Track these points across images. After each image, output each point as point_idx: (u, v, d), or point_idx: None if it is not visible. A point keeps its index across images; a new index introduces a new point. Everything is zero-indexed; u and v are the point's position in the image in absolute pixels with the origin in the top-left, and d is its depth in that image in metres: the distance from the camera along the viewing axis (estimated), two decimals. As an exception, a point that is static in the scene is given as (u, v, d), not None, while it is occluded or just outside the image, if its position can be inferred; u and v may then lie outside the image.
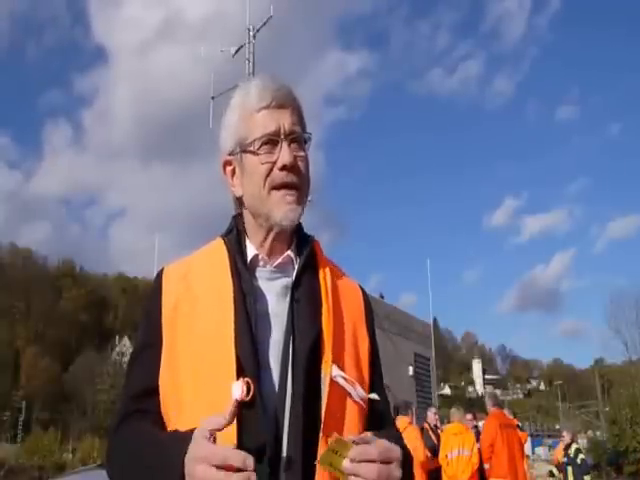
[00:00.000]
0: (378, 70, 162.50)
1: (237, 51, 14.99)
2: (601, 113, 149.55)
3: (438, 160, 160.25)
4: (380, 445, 1.01)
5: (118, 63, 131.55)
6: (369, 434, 1.04)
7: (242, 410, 1.08)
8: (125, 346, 59.44)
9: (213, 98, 14.99)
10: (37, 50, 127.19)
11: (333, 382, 1.14)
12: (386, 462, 1.01)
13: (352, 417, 1.18)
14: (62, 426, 38.62)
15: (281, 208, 1.24)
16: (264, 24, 14.85)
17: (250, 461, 0.94)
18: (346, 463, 0.98)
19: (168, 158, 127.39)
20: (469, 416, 10.85)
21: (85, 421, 45.89)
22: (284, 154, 1.24)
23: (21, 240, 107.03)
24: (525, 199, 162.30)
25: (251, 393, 1.09)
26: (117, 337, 66.15)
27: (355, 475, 0.97)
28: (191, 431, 1.02)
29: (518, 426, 10.00)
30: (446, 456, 8.16)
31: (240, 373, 1.10)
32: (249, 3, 15.08)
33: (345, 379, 1.16)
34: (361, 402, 1.16)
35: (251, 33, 14.96)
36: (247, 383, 1.09)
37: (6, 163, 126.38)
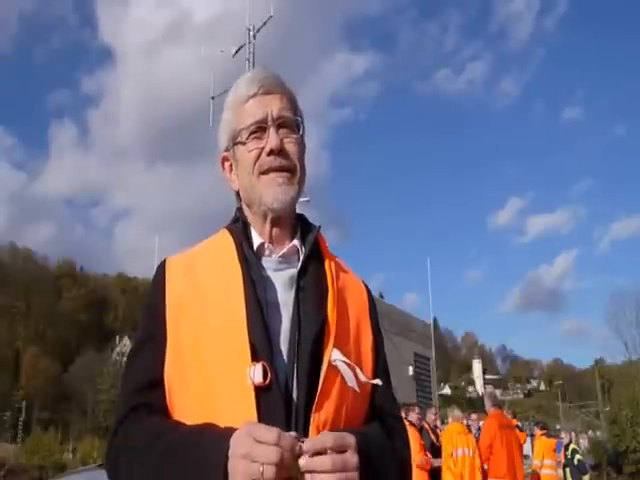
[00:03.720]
0: (385, 71, 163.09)
1: (237, 51, 15.00)
2: (606, 114, 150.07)
3: (443, 161, 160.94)
4: (332, 435, 1.01)
5: (125, 64, 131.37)
6: (324, 432, 1.04)
7: (260, 396, 1.07)
8: (125, 346, 59.41)
9: (213, 98, 14.99)
10: (44, 51, 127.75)
11: (331, 365, 1.12)
12: (341, 451, 1.00)
13: (351, 401, 1.15)
14: (62, 426, 38.64)
15: (270, 190, 1.23)
16: (264, 24, 14.87)
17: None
18: (302, 461, 0.97)
19: (172, 158, 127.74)
20: (474, 416, 10.83)
21: (85, 421, 45.93)
22: (271, 139, 1.23)
23: (27, 240, 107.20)
24: (530, 199, 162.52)
25: (269, 378, 1.08)
26: (117, 337, 66.18)
27: (311, 471, 0.97)
28: (228, 429, 1.01)
29: (518, 426, 10.01)
30: (451, 454, 8.18)
31: (254, 358, 1.09)
32: (249, 3, 15.10)
33: (346, 363, 1.13)
34: (356, 387, 1.13)
35: (251, 33, 14.96)
36: (264, 367, 1.07)
37: (12, 164, 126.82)
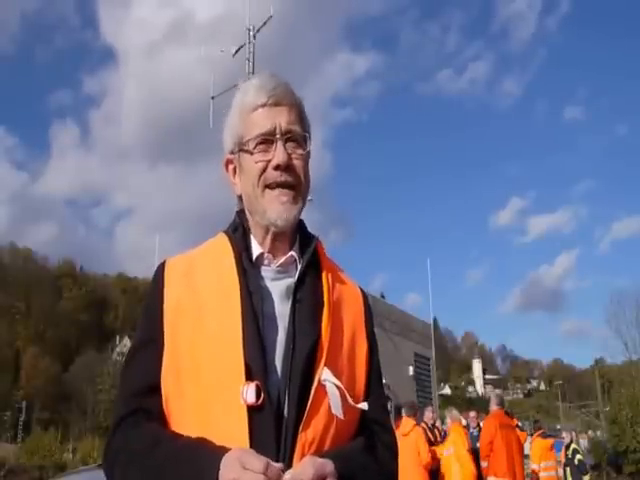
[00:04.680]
0: (387, 71, 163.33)
1: (237, 51, 14.99)
2: (608, 114, 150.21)
3: (445, 161, 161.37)
4: (313, 465, 1.02)
5: (126, 64, 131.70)
6: (306, 460, 1.05)
7: (252, 415, 1.08)
8: (125, 346, 59.28)
9: (213, 98, 14.99)
10: (46, 51, 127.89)
11: (321, 384, 1.13)
12: (320, 478, 1.02)
13: (338, 420, 1.14)
14: (62, 426, 38.55)
15: (275, 208, 1.23)
16: (264, 24, 14.86)
17: None
18: None
19: (174, 159, 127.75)
20: (472, 413, 10.85)
21: (85, 421, 45.90)
22: (278, 153, 1.23)
23: (27, 240, 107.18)
24: (531, 199, 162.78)
25: (262, 398, 1.08)
26: (117, 337, 66.10)
27: None
28: (222, 449, 1.03)
29: (518, 426, 10.02)
30: (468, 451, 8.31)
31: (248, 377, 1.09)
32: (249, 3, 15.09)
33: (335, 385, 1.13)
34: (340, 414, 1.12)
35: (251, 33, 14.96)
36: (257, 387, 1.08)
37: (14, 164, 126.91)
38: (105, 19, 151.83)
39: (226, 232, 1.32)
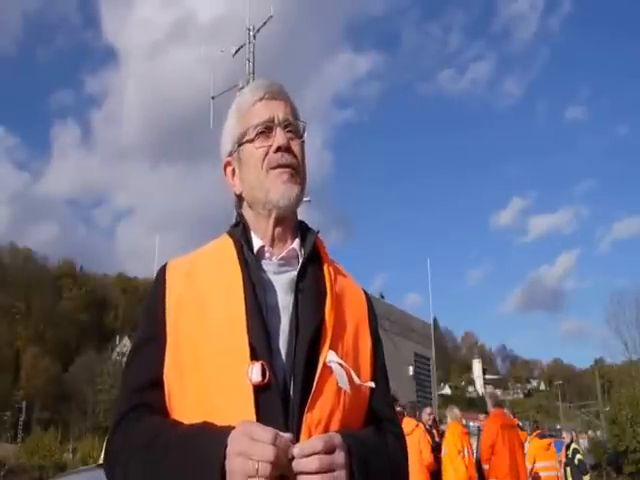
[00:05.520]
0: (388, 71, 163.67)
1: (237, 51, 14.99)
2: (609, 114, 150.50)
3: (446, 161, 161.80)
4: (321, 439, 1.03)
5: (128, 64, 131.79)
6: (314, 437, 1.05)
7: (258, 395, 1.08)
8: (125, 346, 59.40)
9: (213, 98, 15.00)
10: (48, 51, 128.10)
11: (326, 366, 1.14)
12: (329, 452, 1.02)
13: (348, 403, 1.16)
14: (62, 426, 38.54)
15: (278, 187, 1.26)
16: (264, 24, 14.86)
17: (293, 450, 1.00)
18: (293, 464, 1.00)
19: (175, 159, 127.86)
20: (482, 416, 10.79)
21: (85, 421, 45.94)
22: (278, 137, 1.28)
23: (28, 240, 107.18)
24: (532, 199, 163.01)
25: (267, 376, 1.08)
26: (117, 337, 66.17)
27: (300, 472, 1.00)
28: (226, 428, 1.03)
29: (519, 425, 10.00)
30: (459, 452, 8.31)
31: (253, 357, 1.10)
32: (249, 3, 15.09)
33: (340, 365, 1.14)
34: (347, 388, 1.14)
35: (251, 33, 14.95)
36: (262, 366, 1.09)
37: (15, 163, 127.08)
38: (107, 19, 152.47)
39: (228, 232, 1.34)
